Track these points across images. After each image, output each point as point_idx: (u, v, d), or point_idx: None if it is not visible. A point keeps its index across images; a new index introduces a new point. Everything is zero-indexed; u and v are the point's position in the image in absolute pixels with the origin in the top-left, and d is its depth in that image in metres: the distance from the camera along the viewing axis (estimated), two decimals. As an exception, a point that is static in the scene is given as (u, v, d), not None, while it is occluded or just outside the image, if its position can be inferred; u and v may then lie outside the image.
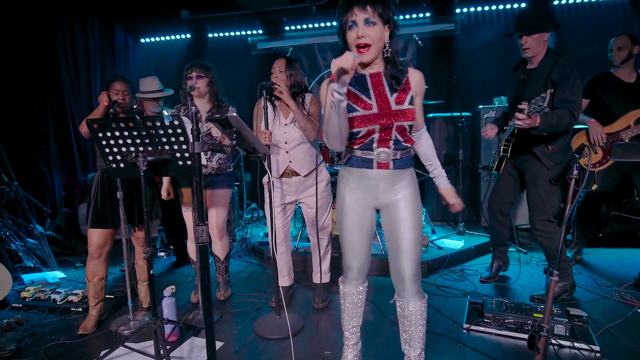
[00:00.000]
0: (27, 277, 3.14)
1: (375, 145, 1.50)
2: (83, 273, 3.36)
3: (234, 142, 1.40)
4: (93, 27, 4.54)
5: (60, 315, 2.54)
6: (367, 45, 1.38)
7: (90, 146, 4.43)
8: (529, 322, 2.12)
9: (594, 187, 2.92)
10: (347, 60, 1.21)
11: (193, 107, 1.26)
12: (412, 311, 1.56)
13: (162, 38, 5.32)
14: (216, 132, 2.40)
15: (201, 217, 1.29)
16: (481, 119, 3.99)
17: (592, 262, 3.20)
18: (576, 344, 1.98)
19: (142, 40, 5.36)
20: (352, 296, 1.72)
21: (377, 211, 1.66)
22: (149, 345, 2.09)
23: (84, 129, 2.34)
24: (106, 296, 2.52)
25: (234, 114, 1.34)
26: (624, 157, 2.05)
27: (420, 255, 1.54)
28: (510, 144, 2.55)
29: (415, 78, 1.50)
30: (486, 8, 4.31)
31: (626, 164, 2.84)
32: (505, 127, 2.58)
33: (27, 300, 2.70)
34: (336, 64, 1.22)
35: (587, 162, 2.20)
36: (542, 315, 2.13)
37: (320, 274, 2.64)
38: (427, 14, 4.49)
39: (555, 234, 2.40)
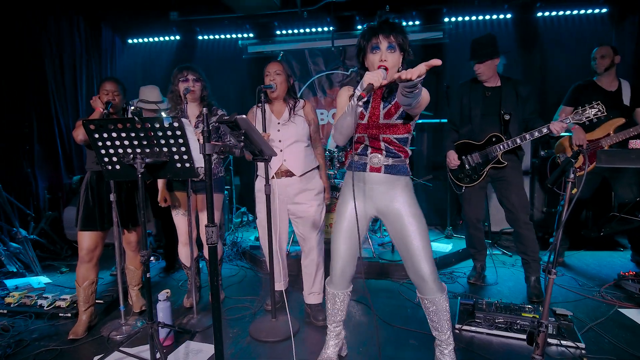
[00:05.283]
0: (10, 283, 3.03)
1: (369, 151, 1.69)
2: (69, 278, 3.29)
3: (242, 144, 1.42)
4: (79, 27, 4.45)
5: (48, 321, 2.47)
6: (386, 68, 1.52)
7: (76, 148, 4.32)
8: (518, 321, 2.20)
9: (574, 191, 3.05)
10: (378, 76, 1.39)
11: (204, 109, 1.27)
12: (438, 305, 1.66)
13: (151, 39, 5.25)
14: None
15: (211, 218, 1.30)
16: None
17: (573, 264, 3.33)
18: (563, 342, 2.06)
19: (130, 41, 5.28)
20: (337, 298, 1.86)
21: (376, 219, 1.76)
22: (144, 350, 2.06)
23: (79, 135, 2.30)
24: (96, 301, 2.47)
25: (244, 116, 1.36)
26: (608, 163, 2.17)
27: (431, 252, 1.65)
28: (489, 164, 2.69)
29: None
30: (473, 18, 4.45)
31: (605, 170, 2.98)
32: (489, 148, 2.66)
33: (12, 305, 2.62)
34: (367, 79, 1.38)
35: (582, 166, 2.34)
36: (530, 315, 2.24)
37: (316, 293, 2.48)
38: (417, 22, 4.59)
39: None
